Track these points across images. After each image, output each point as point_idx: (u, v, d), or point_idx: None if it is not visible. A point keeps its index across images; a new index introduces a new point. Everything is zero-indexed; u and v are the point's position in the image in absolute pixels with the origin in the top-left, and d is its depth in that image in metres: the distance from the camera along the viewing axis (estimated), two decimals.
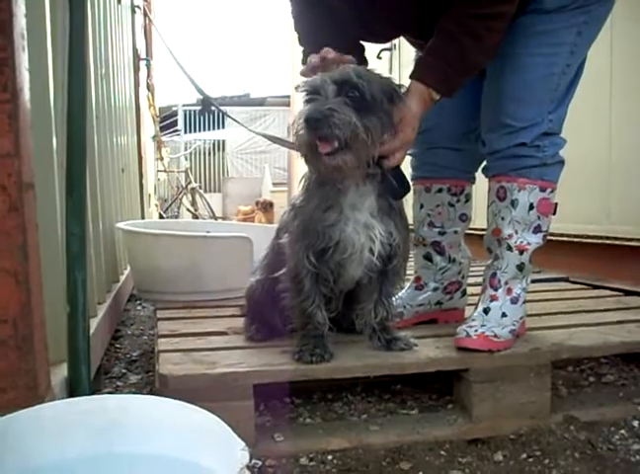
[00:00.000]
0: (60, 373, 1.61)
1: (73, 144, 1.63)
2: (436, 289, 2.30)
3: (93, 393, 1.67)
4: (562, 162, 2.03)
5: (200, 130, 17.50)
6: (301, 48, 2.12)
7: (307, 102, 1.69)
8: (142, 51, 6.21)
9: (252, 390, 1.72)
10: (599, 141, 3.44)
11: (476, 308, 2.04)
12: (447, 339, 2.02)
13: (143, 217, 5.28)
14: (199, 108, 16.59)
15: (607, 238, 3.39)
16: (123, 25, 4.35)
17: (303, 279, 1.82)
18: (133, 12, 5.29)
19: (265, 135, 2.52)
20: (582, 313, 2.48)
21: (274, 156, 16.71)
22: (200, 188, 12.26)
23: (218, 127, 17.70)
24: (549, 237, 2.09)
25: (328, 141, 1.62)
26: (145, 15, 6.25)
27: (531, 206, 1.99)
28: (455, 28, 1.80)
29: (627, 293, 2.96)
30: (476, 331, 1.91)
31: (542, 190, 2.00)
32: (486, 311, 1.99)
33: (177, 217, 11.42)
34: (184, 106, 16.46)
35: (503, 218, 2.01)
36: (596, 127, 3.43)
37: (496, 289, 2.02)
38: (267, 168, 15.44)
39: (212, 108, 2.72)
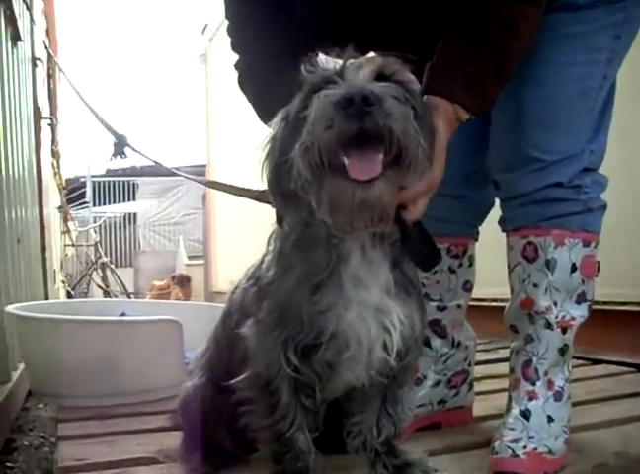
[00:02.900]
0: None
1: None
2: (437, 384, 1.72)
3: None
4: (605, 206, 1.54)
5: (109, 203, 16.73)
6: (234, 58, 1.57)
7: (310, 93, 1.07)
8: (45, 110, 5.54)
9: None
10: None
11: (508, 411, 1.48)
12: (469, 455, 1.47)
13: (47, 297, 4.56)
14: (108, 178, 15.98)
15: (597, 303, 2.92)
16: (21, 76, 3.73)
17: (279, 389, 1.19)
18: (34, 65, 4.66)
19: (215, 183, 1.94)
20: (612, 401, 2.02)
21: (188, 228, 16.08)
22: (111, 262, 11.49)
23: (129, 200, 16.98)
24: None
25: (374, 153, 1.01)
26: (49, 69, 5.62)
27: (574, 267, 1.48)
28: (484, 20, 1.29)
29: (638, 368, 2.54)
30: (525, 447, 1.35)
31: (586, 244, 1.49)
32: (525, 415, 1.43)
33: (86, 295, 10.62)
34: (92, 177, 15.72)
35: (536, 285, 1.49)
36: None
37: (533, 383, 1.48)
38: (181, 240, 14.87)
39: (125, 152, 2.11)
